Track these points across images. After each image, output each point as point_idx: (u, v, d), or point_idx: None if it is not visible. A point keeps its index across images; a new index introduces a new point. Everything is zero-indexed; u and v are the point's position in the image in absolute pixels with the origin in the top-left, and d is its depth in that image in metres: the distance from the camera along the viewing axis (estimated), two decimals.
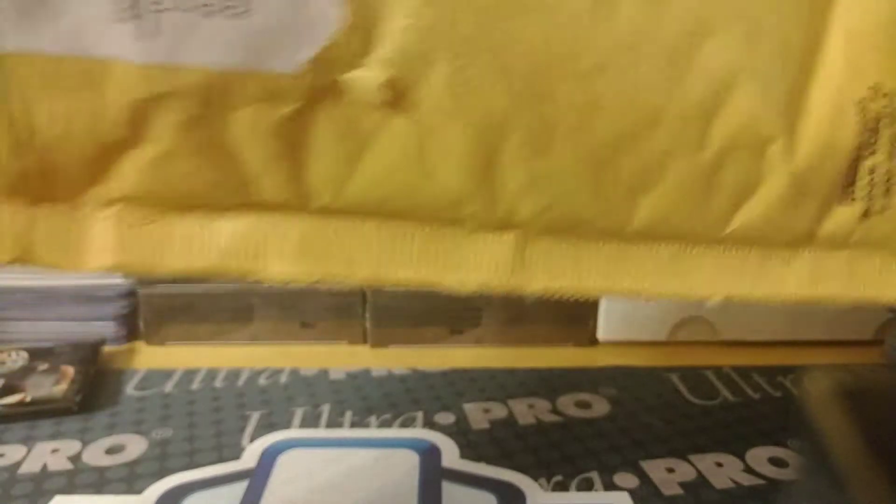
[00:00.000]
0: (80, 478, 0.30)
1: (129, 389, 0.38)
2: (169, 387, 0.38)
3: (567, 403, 0.36)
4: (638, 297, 0.20)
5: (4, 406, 0.35)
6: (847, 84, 0.19)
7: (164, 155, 0.16)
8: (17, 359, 0.39)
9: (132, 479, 0.30)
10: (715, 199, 0.19)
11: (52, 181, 0.16)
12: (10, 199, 0.16)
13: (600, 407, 0.36)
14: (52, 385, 0.36)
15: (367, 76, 0.16)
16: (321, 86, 0.16)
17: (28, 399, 0.35)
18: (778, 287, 0.20)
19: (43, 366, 0.38)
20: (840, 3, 0.19)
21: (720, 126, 0.18)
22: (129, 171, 0.17)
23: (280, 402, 0.36)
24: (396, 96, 0.16)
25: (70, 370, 0.37)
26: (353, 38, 0.16)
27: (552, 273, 0.19)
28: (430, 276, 0.18)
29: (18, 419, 0.34)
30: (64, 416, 0.35)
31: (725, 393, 0.37)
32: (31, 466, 0.31)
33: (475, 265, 0.19)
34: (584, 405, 0.36)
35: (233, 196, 0.17)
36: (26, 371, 0.37)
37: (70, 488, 0.29)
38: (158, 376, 0.39)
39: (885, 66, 0.19)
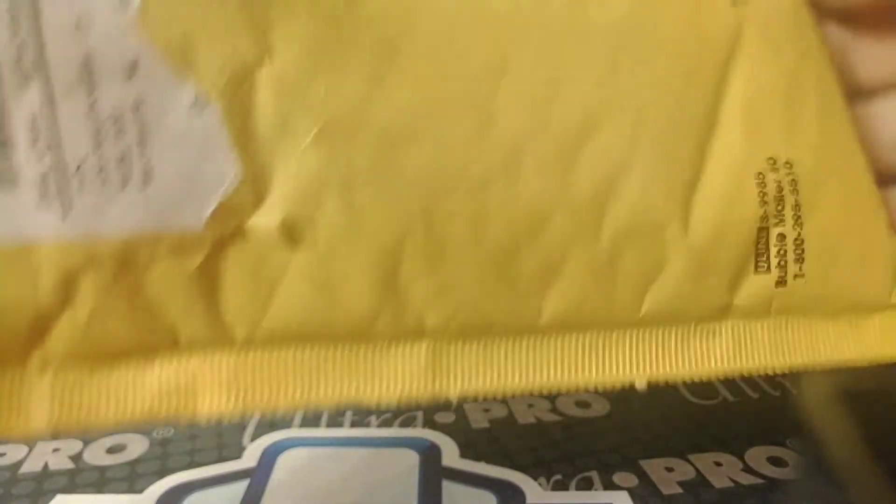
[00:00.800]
0: (81, 477, 0.30)
1: None
2: None
3: (567, 403, 0.36)
4: (561, 390, 0.20)
5: None
6: (745, 157, 0.20)
7: (91, 316, 0.17)
8: None
9: (133, 478, 0.30)
10: (621, 285, 0.19)
11: None
12: None
13: (600, 406, 0.36)
14: None
15: (264, 220, 0.17)
16: (225, 235, 0.17)
17: None
18: (703, 361, 0.21)
19: None
20: (735, 76, 0.20)
21: (612, 217, 0.19)
22: (62, 335, 0.17)
23: None
24: (294, 235, 0.17)
25: None
26: (248, 189, 0.17)
27: (469, 376, 0.20)
28: (354, 392, 0.19)
29: None
30: None
31: (725, 392, 0.37)
32: (32, 466, 0.31)
33: (394, 377, 0.19)
34: (583, 405, 0.36)
35: (158, 344, 0.18)
36: None
37: (71, 487, 0.30)
38: None
39: (784, 135, 0.20)
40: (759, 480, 0.30)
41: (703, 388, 0.38)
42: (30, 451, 0.32)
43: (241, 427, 0.34)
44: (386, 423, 0.34)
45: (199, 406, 0.18)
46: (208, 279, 0.18)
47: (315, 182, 0.17)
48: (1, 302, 0.17)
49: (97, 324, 0.17)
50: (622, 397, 0.37)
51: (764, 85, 0.20)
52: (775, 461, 0.31)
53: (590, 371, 0.20)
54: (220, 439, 0.33)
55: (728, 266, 0.20)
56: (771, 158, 0.20)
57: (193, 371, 0.18)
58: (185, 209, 0.17)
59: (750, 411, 0.36)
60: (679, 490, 0.29)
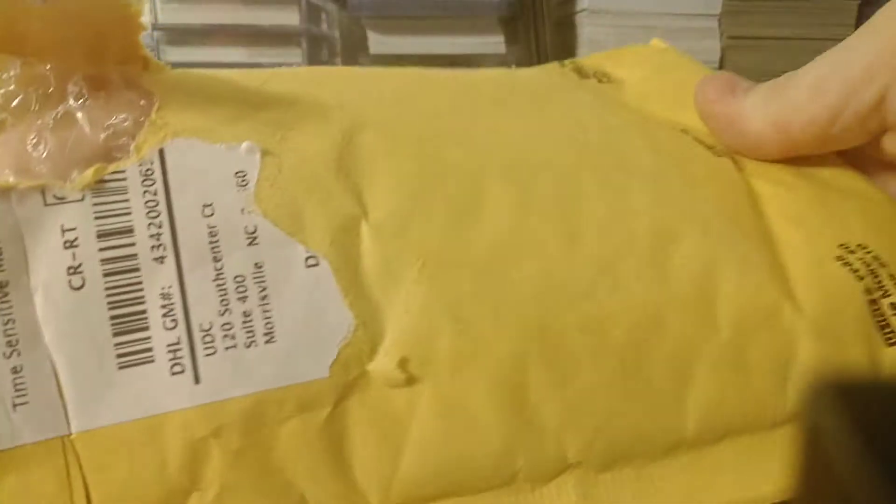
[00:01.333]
0: None
1: None
2: None
3: None
4: None
5: None
6: (815, 249, 0.20)
7: (219, 495, 0.17)
8: None
9: None
10: (759, 375, 0.19)
11: None
12: None
13: None
14: None
15: (384, 361, 0.17)
16: (349, 381, 0.17)
17: None
18: None
19: None
20: (763, 198, 0.21)
21: (724, 306, 0.19)
22: None
23: None
24: (415, 373, 0.17)
25: None
26: (363, 334, 0.17)
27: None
28: None
29: None
30: None
31: None
32: None
33: None
34: None
35: None
36: None
37: None
38: None
39: (839, 232, 0.21)
40: None
41: None
42: None
43: None
44: None
45: None
46: (336, 432, 0.17)
47: (426, 315, 0.17)
48: (131, 484, 0.16)
49: (226, 502, 0.17)
50: None
51: (790, 199, 0.21)
52: None
53: (758, 477, 0.19)
54: None
55: (857, 340, 0.19)
56: (842, 245, 0.20)
57: None
58: (309, 359, 0.17)
59: None
60: None
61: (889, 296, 0.20)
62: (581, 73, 0.26)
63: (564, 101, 0.24)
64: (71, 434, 0.16)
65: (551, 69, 0.27)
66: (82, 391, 0.16)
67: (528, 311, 0.18)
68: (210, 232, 0.17)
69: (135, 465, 0.16)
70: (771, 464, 0.19)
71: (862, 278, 0.20)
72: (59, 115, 0.17)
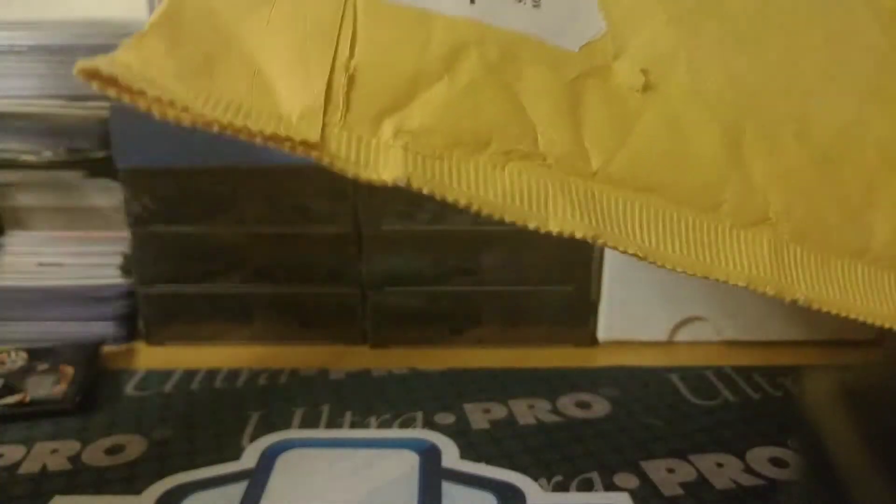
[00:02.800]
0: (79, 478, 0.30)
1: (129, 389, 0.37)
2: (168, 387, 0.38)
3: (567, 403, 0.36)
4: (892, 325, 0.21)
5: (4, 406, 0.34)
6: None
7: (463, 89, 0.20)
8: (17, 359, 0.39)
9: (132, 479, 0.30)
10: None
11: (354, 104, 0.19)
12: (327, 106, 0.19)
13: (600, 407, 0.36)
14: (52, 385, 0.36)
15: (626, 65, 0.21)
16: (593, 66, 0.21)
17: (27, 399, 0.35)
18: None
19: (42, 366, 0.38)
20: None
21: None
22: (429, 104, 0.19)
23: (280, 402, 0.36)
24: (649, 85, 0.21)
25: (70, 370, 0.37)
26: (610, 41, 0.21)
27: (812, 283, 0.21)
28: (701, 261, 0.20)
29: (18, 419, 0.34)
30: (63, 417, 0.35)
31: (726, 393, 0.37)
32: (30, 467, 0.31)
33: (739, 258, 0.20)
34: (584, 405, 0.36)
35: (517, 141, 0.20)
36: (26, 371, 0.37)
37: (69, 489, 0.29)
38: (158, 376, 0.39)
39: None
40: (761, 481, 0.30)
41: (704, 388, 0.38)
42: (28, 451, 0.32)
43: (240, 427, 0.34)
44: (385, 424, 0.34)
45: (552, 214, 0.19)
46: (575, 97, 0.20)
47: (667, 51, 0.21)
48: (390, 57, 0.19)
49: (466, 99, 0.20)
50: (623, 399, 0.37)
51: None
52: (777, 462, 0.31)
53: None
54: (219, 440, 0.33)
55: None
56: None
57: (546, 181, 0.20)
58: (563, 34, 0.21)
59: (751, 412, 0.36)
60: (680, 491, 0.29)
61: None
62: None
63: None
64: None
65: None
66: None
67: (755, 86, 0.21)
68: None
69: (401, 36, 0.20)
70: None
71: None
72: None
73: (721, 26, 0.22)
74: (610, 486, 0.30)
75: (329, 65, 0.19)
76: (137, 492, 0.29)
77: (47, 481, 0.30)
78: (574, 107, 0.20)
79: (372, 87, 0.19)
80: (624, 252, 0.20)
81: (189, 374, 0.39)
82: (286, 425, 0.34)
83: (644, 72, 0.21)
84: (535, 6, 0.21)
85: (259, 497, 0.29)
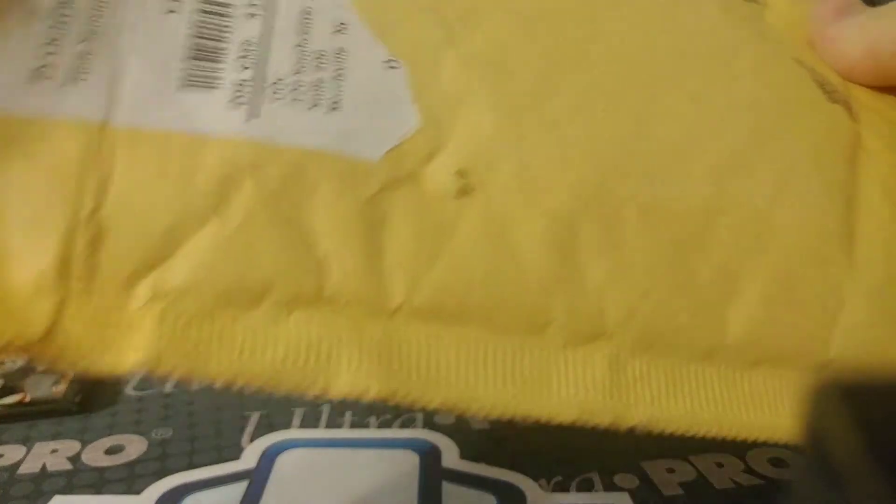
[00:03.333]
0: (79, 478, 0.30)
1: (129, 389, 0.37)
2: (169, 387, 0.38)
3: None
4: (757, 437, 0.19)
5: (3, 406, 0.34)
6: (893, 229, 0.20)
7: (235, 230, 0.16)
8: (16, 359, 0.38)
9: (132, 479, 0.30)
10: (803, 313, 0.19)
11: (101, 268, 0.15)
12: (59, 274, 0.15)
13: None
14: (52, 385, 0.36)
15: (440, 168, 0.17)
16: (399, 175, 0.17)
17: (27, 399, 0.35)
18: None
19: (42, 366, 0.38)
20: (868, 154, 0.21)
21: (778, 235, 0.19)
22: (194, 254, 0.16)
23: (280, 402, 0.36)
24: (468, 189, 0.17)
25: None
26: (424, 139, 0.18)
27: (656, 400, 0.19)
28: (519, 399, 0.18)
29: (18, 419, 0.34)
30: (63, 417, 0.35)
31: None
32: (30, 467, 0.31)
33: (567, 386, 0.18)
34: None
35: (302, 284, 0.16)
36: (25, 371, 0.37)
37: (69, 489, 0.29)
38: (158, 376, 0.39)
39: None
40: (761, 481, 0.30)
41: None
42: (28, 451, 0.32)
43: (240, 427, 0.34)
44: (386, 424, 0.34)
45: (343, 370, 0.16)
46: (376, 215, 0.17)
47: (493, 141, 0.18)
48: (149, 198, 0.15)
49: (240, 241, 0.16)
50: None
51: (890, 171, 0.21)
52: (777, 462, 0.31)
53: (784, 414, 0.19)
54: (219, 440, 0.33)
55: None
56: None
57: (339, 330, 0.16)
58: (364, 140, 0.17)
59: None
60: (680, 491, 0.29)
61: None
62: None
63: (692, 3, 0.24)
64: (114, 123, 0.16)
65: None
66: (138, 91, 0.16)
67: (593, 170, 0.18)
68: (305, 10, 0.18)
69: (164, 171, 0.16)
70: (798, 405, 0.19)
71: None
72: None
73: (562, 101, 0.19)
74: (610, 486, 0.30)
75: (68, 221, 0.15)
76: (137, 492, 0.29)
77: (47, 481, 0.30)
78: (373, 230, 0.17)
79: (125, 242, 0.15)
80: (429, 407, 0.17)
81: None
82: (286, 425, 0.34)
83: (461, 173, 0.17)
84: (332, 109, 0.17)
85: (259, 497, 0.29)
